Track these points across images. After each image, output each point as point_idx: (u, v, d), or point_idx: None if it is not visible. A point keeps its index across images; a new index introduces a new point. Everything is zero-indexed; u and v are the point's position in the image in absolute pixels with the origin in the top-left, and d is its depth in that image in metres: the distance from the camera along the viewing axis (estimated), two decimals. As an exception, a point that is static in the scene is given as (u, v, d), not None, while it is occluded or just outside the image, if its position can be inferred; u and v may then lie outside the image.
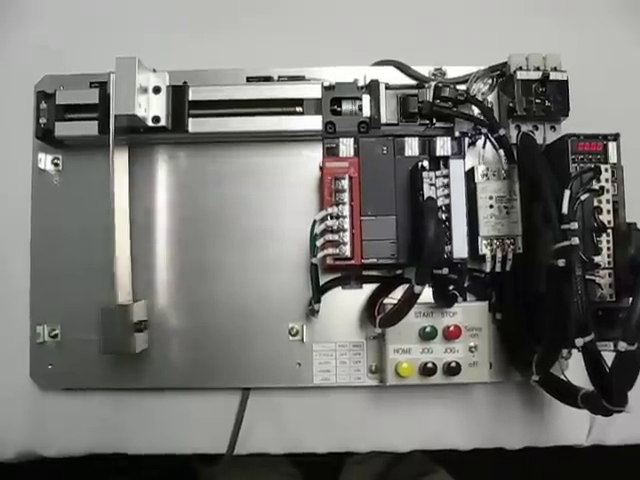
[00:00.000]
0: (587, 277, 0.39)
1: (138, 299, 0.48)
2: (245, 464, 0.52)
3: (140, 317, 0.47)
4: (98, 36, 0.54)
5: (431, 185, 0.44)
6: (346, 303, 0.49)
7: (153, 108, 0.46)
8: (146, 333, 0.48)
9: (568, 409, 0.43)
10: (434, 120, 0.48)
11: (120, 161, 0.47)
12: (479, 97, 0.49)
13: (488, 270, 0.45)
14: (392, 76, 0.50)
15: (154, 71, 0.47)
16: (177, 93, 0.47)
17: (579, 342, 0.38)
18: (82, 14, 0.55)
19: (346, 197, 0.45)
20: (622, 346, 0.36)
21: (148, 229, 0.50)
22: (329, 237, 0.45)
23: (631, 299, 0.37)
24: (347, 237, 0.45)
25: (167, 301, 0.49)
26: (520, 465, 0.72)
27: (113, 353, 0.46)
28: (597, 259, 0.40)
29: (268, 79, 0.49)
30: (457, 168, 0.44)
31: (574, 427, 0.50)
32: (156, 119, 0.46)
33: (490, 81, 0.50)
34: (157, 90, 0.47)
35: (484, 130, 0.48)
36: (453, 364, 0.45)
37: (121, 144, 0.47)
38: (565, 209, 0.39)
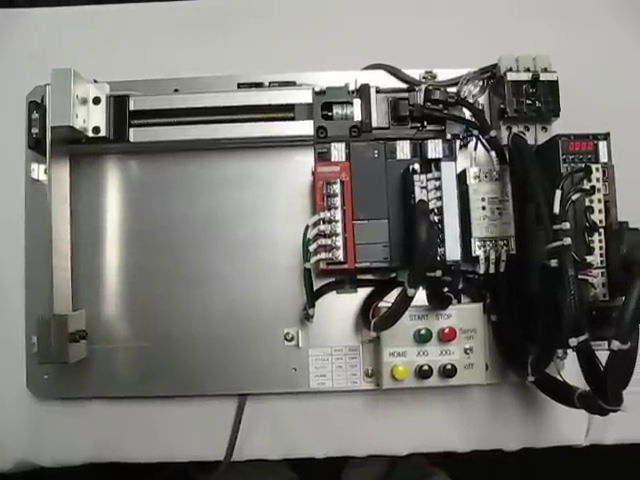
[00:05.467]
0: (580, 277, 0.39)
1: (78, 308, 0.48)
2: (242, 470, 0.52)
3: (77, 327, 0.46)
4: (91, 46, 0.54)
5: (422, 188, 0.44)
6: (341, 307, 0.49)
7: (94, 119, 0.46)
8: (84, 343, 0.47)
9: (566, 409, 0.43)
10: (425, 123, 0.48)
11: (61, 171, 0.48)
12: (470, 99, 0.49)
13: (482, 272, 0.44)
14: (383, 80, 0.50)
15: (95, 82, 0.47)
16: (118, 103, 0.47)
17: (573, 342, 0.38)
18: (75, 24, 0.55)
19: (338, 201, 0.45)
20: (616, 345, 0.36)
21: (143, 238, 0.50)
22: (322, 242, 0.45)
23: (624, 298, 0.37)
24: (340, 241, 0.45)
25: (162, 309, 0.49)
26: (519, 466, 0.72)
27: (48, 363, 0.45)
28: (590, 259, 0.40)
29: (259, 85, 0.49)
30: (448, 170, 0.44)
31: (572, 427, 0.50)
32: (96, 130, 0.46)
33: (481, 83, 0.50)
34: (97, 101, 0.46)
35: (475, 132, 0.48)
36: (449, 366, 0.44)
37: (61, 154, 0.47)
38: (557, 209, 0.39)
